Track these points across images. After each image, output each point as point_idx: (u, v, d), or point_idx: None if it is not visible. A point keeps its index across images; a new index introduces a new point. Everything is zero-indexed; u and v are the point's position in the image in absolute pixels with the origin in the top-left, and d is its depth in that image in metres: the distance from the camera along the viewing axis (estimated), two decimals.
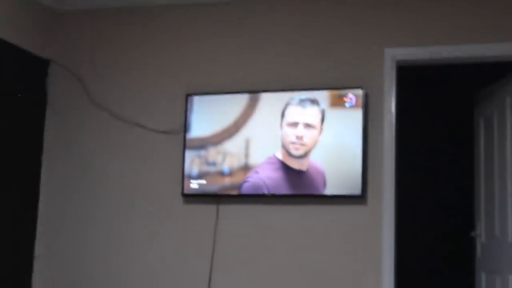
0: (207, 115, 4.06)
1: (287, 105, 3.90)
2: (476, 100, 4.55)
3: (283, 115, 3.91)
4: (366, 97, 3.83)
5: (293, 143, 3.86)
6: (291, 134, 3.87)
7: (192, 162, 4.04)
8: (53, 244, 4.34)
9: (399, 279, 3.84)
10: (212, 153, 4.01)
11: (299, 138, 3.85)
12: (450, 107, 5.98)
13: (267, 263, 3.91)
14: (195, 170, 4.03)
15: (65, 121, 4.45)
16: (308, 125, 3.85)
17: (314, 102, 3.85)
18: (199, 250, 4.04)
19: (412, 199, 5.71)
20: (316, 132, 3.83)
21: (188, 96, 4.11)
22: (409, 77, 4.17)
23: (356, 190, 3.73)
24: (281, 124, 3.91)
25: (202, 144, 4.04)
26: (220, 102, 4.05)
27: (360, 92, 3.79)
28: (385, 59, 3.89)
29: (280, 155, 3.88)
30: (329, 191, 3.77)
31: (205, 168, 4.01)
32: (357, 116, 3.79)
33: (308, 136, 3.84)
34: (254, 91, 4.01)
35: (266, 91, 3.98)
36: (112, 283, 4.18)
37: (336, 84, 3.92)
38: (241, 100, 4.00)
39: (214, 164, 4.00)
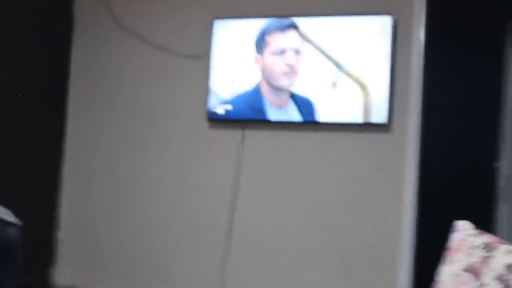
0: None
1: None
2: (508, 29, 4.40)
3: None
4: (395, 24, 3.71)
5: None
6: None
7: (221, 86, 4.02)
8: (80, 165, 4.39)
9: (420, 208, 3.81)
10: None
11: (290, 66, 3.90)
12: (480, 36, 5.77)
13: (289, 191, 3.94)
14: (223, 95, 4.01)
15: (92, 45, 4.46)
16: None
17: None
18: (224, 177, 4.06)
19: (436, 130, 5.59)
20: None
21: (214, 20, 4.05)
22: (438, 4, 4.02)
23: (382, 118, 3.69)
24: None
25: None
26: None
27: (389, 19, 3.67)
28: None
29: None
30: (357, 119, 3.75)
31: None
32: (386, 43, 3.69)
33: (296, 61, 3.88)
34: (285, 15, 3.92)
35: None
36: (135, 203, 4.27)
37: (364, 10, 3.80)
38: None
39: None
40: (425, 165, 3.82)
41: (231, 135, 4.04)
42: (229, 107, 3.98)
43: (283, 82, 3.88)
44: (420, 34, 3.76)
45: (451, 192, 4.29)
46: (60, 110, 4.40)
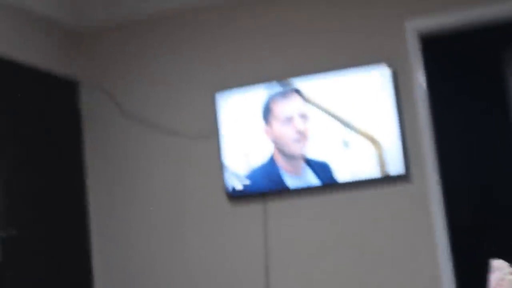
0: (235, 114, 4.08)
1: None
2: (507, 58, 4.42)
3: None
4: (394, 73, 3.77)
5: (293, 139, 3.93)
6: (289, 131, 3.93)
7: (237, 162, 4.05)
8: (109, 258, 4.39)
9: (454, 251, 3.74)
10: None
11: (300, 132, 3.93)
12: (480, 69, 5.79)
13: (319, 255, 3.91)
14: (240, 170, 4.03)
15: (103, 138, 4.51)
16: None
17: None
18: (252, 253, 4.04)
19: (455, 172, 5.56)
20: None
21: (216, 93, 4.13)
22: (432, 47, 4.06)
23: (399, 169, 3.70)
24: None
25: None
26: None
27: (386, 69, 3.74)
28: (407, 32, 3.82)
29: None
30: (375, 174, 3.75)
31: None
32: (388, 93, 3.75)
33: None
34: (284, 78, 3.99)
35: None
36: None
37: (360, 62, 3.88)
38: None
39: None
40: (450, 208, 3.78)
41: (253, 209, 4.05)
42: (247, 181, 4.00)
43: (295, 149, 3.90)
44: (420, 79, 3.80)
45: (481, 231, 4.22)
46: (81, 207, 4.42)
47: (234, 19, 4.23)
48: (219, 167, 4.10)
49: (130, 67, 4.46)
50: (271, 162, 3.95)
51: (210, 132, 4.16)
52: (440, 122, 4.01)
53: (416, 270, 3.67)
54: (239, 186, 4.02)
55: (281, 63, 4.08)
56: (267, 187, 3.96)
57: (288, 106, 3.94)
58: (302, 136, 3.89)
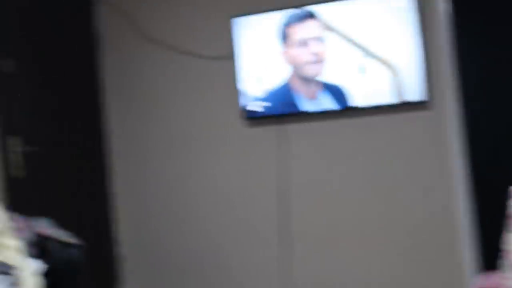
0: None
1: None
2: None
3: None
4: None
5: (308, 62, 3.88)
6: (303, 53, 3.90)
7: (252, 84, 4.03)
8: (129, 180, 4.45)
9: (472, 179, 3.74)
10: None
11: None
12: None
13: (335, 179, 3.94)
14: (256, 92, 4.02)
15: (121, 59, 4.48)
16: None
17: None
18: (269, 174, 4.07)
19: (476, 99, 5.44)
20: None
21: (233, 18, 4.06)
22: None
23: (419, 96, 3.67)
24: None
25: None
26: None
27: None
28: None
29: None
30: (395, 99, 3.73)
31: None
32: (408, 20, 3.67)
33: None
34: (303, 5, 3.89)
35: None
36: (186, 210, 4.32)
37: None
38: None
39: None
40: (471, 136, 3.76)
41: (269, 131, 4.06)
42: (263, 104, 4.00)
43: (311, 71, 3.89)
44: (446, 4, 3.72)
45: (501, 159, 4.18)
46: (101, 129, 4.47)
47: None
48: (236, 89, 4.09)
49: None
50: (287, 85, 3.94)
51: (227, 55, 4.12)
52: (462, 50, 3.92)
53: (431, 197, 3.71)
54: (255, 108, 4.02)
55: None
56: (283, 110, 3.97)
57: (304, 30, 3.88)
58: (318, 58, 3.85)
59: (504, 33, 5.52)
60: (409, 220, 3.74)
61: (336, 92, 3.84)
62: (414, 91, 3.67)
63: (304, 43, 3.88)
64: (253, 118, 4.06)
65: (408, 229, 3.74)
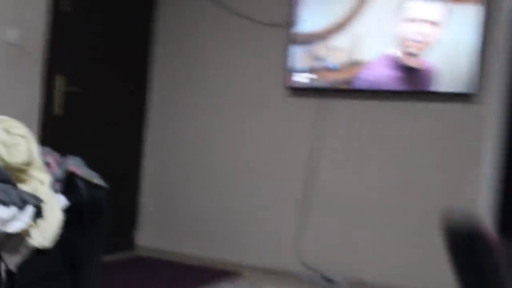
0: (315, 9, 3.94)
1: None
2: None
3: (399, 9, 3.69)
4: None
5: (413, 40, 3.66)
6: (411, 30, 3.67)
7: (300, 56, 3.98)
8: (161, 133, 4.48)
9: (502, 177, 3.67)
10: (320, 48, 3.92)
11: (421, 35, 3.63)
12: None
13: (368, 160, 3.90)
14: (302, 65, 3.97)
15: (175, 12, 4.50)
16: (429, 22, 3.63)
17: None
18: (302, 146, 4.06)
19: None
20: (436, 29, 3.61)
21: None
22: None
23: (469, 88, 3.56)
24: (397, 20, 3.69)
25: (310, 39, 3.95)
26: None
27: None
28: None
29: (394, 52, 3.70)
30: (441, 88, 3.62)
31: (313, 63, 3.94)
32: (476, 12, 3.52)
33: (430, 33, 3.63)
34: None
35: None
36: (212, 170, 4.37)
37: None
38: None
39: (322, 59, 3.92)
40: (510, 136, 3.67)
41: (311, 103, 4.03)
42: (308, 76, 3.94)
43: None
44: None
45: None
46: (144, 78, 4.53)
47: None
48: (283, 59, 4.05)
49: None
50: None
51: (282, 23, 4.06)
52: None
53: (457, 187, 3.63)
54: (300, 80, 3.98)
55: None
56: (327, 84, 3.93)
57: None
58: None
59: None
60: (431, 204, 3.66)
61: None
62: (463, 83, 3.57)
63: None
64: (296, 88, 4.02)
65: (427, 216, 3.67)
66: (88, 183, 2.52)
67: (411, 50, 3.67)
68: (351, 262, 3.87)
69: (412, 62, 3.67)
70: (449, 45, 3.58)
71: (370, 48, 3.78)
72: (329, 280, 3.82)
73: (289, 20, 4.02)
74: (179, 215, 4.44)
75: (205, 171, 4.35)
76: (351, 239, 3.90)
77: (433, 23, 3.62)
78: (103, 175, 2.60)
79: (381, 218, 3.82)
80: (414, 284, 3.66)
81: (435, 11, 3.61)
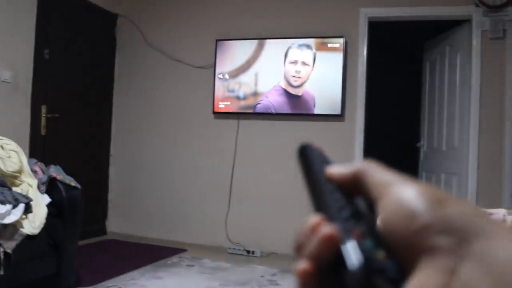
0: (229, 55, 4.02)
1: (289, 48, 3.85)
2: (425, 48, 4.47)
3: (286, 55, 3.86)
4: (345, 43, 3.77)
5: (293, 76, 3.84)
6: (292, 69, 3.84)
7: (220, 89, 4.05)
8: (123, 145, 4.45)
9: None
10: (233, 83, 4.01)
11: (298, 72, 3.82)
12: (405, 54, 5.83)
13: (272, 162, 3.99)
14: (222, 95, 4.04)
15: (129, 59, 4.48)
16: (304, 63, 3.81)
17: (308, 46, 3.81)
18: (226, 153, 4.12)
19: (375, 118, 5.66)
20: (309, 68, 3.80)
21: (217, 41, 4.06)
22: (377, 30, 4.06)
23: (337, 110, 3.75)
24: (284, 62, 3.86)
25: (226, 76, 4.04)
26: (237, 46, 3.99)
27: (341, 40, 3.73)
28: (360, 16, 3.81)
29: (283, 84, 3.87)
30: (317, 111, 3.79)
31: (229, 94, 4.01)
32: (339, 57, 3.74)
33: (304, 71, 3.80)
34: (262, 38, 3.96)
35: (271, 38, 3.93)
36: (165, 172, 4.33)
37: (324, 34, 3.84)
38: (252, 44, 3.95)
39: (233, 91, 4.00)
40: (368, 145, 3.88)
41: (229, 123, 4.11)
42: (228, 103, 4.03)
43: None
44: (363, 50, 3.83)
45: (387, 164, 4.32)
46: (108, 106, 4.47)
47: None
48: (211, 92, 4.11)
49: (156, 6, 4.38)
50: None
51: (207, 65, 4.14)
52: (372, 82, 4.06)
53: None
54: (222, 106, 4.06)
55: (261, 27, 4.02)
56: (238, 108, 4.01)
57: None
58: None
59: (402, 72, 5.65)
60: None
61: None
62: (333, 107, 3.76)
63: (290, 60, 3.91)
64: (219, 113, 4.09)
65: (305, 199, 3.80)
66: (66, 185, 2.51)
67: (293, 83, 3.86)
68: (264, 237, 3.92)
69: (295, 91, 3.85)
70: (322, 80, 3.74)
71: (266, 82, 3.89)
72: (248, 252, 3.85)
73: (212, 63, 4.09)
74: (139, 207, 4.39)
75: (157, 174, 4.33)
76: (263, 220, 3.96)
77: (306, 64, 3.81)
78: (78, 179, 2.60)
79: (282, 204, 3.89)
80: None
81: (308, 56, 3.80)
